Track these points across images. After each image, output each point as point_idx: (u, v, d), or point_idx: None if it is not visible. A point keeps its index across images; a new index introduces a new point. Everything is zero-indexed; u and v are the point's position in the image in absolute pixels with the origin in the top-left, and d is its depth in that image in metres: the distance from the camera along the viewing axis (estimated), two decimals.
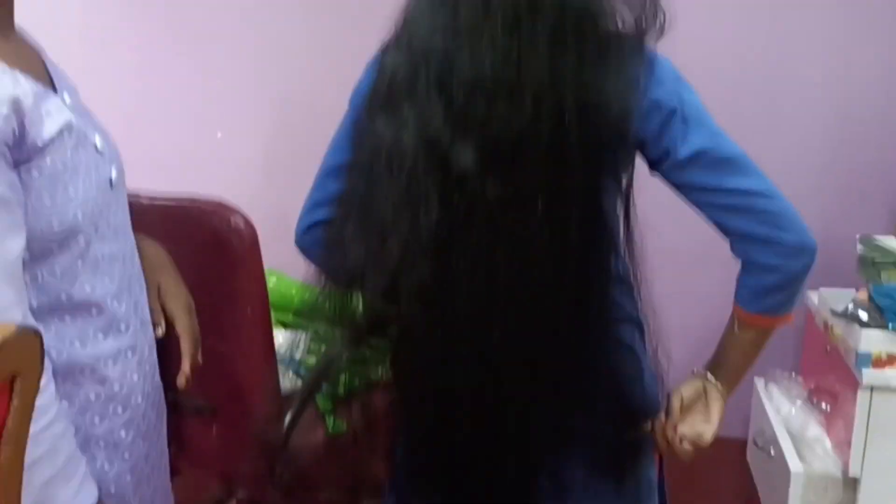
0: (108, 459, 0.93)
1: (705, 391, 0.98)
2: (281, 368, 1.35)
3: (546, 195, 0.84)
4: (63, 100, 0.90)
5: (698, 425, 0.94)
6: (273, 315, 1.53)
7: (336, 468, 1.34)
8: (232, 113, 1.94)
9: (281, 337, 1.53)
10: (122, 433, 0.94)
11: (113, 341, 0.92)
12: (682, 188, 0.91)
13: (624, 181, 0.92)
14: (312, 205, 1.10)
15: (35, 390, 0.56)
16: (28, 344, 0.55)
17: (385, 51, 0.97)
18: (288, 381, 1.43)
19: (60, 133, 0.85)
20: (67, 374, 0.88)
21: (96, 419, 0.91)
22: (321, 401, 1.44)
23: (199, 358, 1.10)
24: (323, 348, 1.54)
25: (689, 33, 1.62)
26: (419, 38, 0.91)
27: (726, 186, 0.88)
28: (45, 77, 0.92)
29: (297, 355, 1.53)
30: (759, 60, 1.79)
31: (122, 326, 0.94)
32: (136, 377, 0.95)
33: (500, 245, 0.84)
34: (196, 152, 1.97)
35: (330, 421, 1.39)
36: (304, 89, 1.89)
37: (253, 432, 1.28)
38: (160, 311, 1.04)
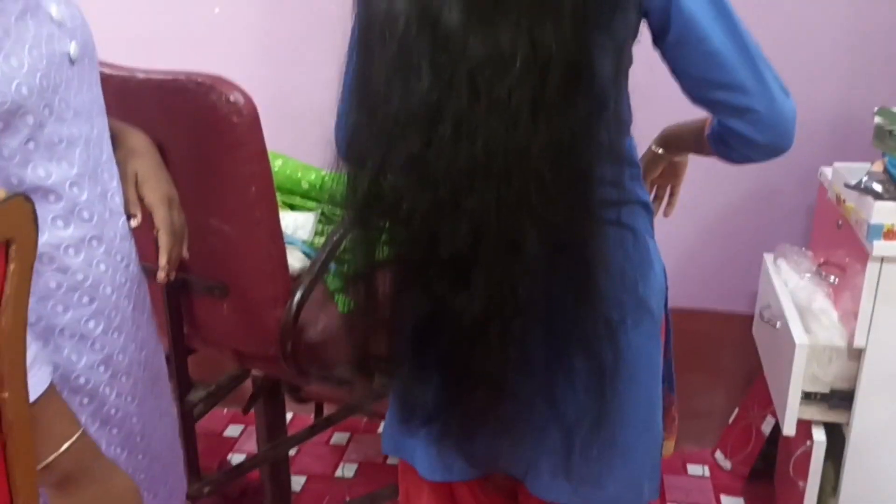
0: (75, 350, 0.90)
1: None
2: (289, 248, 1.35)
3: (525, 49, 0.79)
4: None
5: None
6: (279, 197, 1.52)
7: (347, 345, 1.37)
8: None
9: (288, 218, 1.53)
10: (91, 324, 0.91)
11: (75, 230, 0.88)
12: (676, 73, 0.90)
13: (623, 49, 0.88)
14: (346, 98, 1.01)
15: (32, 254, 0.56)
16: (19, 208, 0.54)
17: None
18: (296, 261, 1.44)
19: None
20: None
21: (59, 308, 0.88)
22: (330, 280, 1.46)
23: (185, 251, 1.07)
24: (329, 229, 1.55)
25: None
26: None
27: (721, 98, 0.89)
28: None
29: (305, 236, 1.54)
30: None
31: (86, 214, 0.90)
32: (102, 267, 0.92)
33: (479, 106, 0.80)
34: (193, 28, 1.91)
35: (340, 299, 1.41)
36: None
37: (264, 310, 1.30)
38: (136, 200, 1.00)
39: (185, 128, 1.20)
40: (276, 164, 1.63)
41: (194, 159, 1.22)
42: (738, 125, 0.90)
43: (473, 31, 0.81)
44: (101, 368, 0.93)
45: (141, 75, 1.21)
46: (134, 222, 0.98)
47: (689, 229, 1.90)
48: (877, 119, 1.47)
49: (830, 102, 1.77)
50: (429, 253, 0.85)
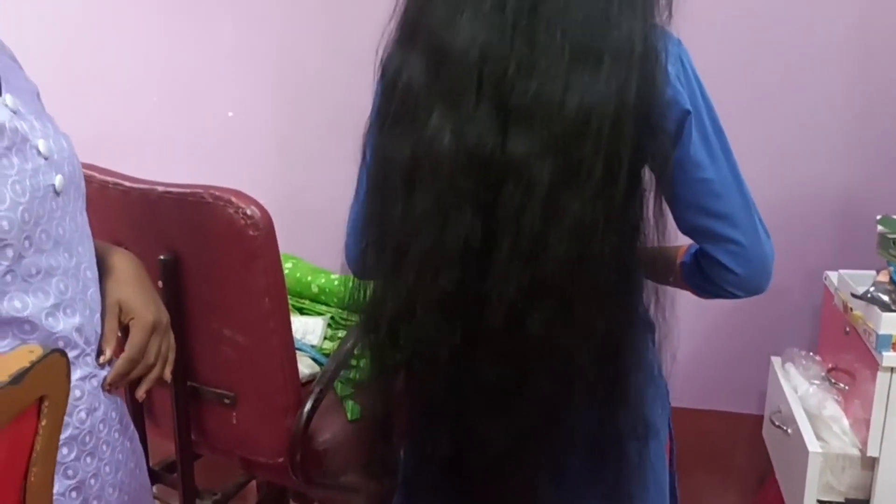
0: None
1: None
2: (298, 354, 1.35)
3: (601, 172, 0.82)
4: (4, 101, 0.86)
5: None
6: (289, 301, 1.53)
7: (355, 453, 1.35)
8: (244, 92, 1.92)
9: (297, 322, 1.54)
10: (64, 451, 0.87)
11: None
12: (668, 195, 0.91)
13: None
14: (355, 230, 1.03)
15: (63, 409, 0.56)
16: (56, 365, 0.55)
17: (393, 49, 0.94)
18: (305, 367, 1.44)
19: None
20: None
21: None
22: (340, 387, 1.45)
23: (167, 374, 1.02)
24: (341, 335, 1.55)
25: None
26: (433, 31, 0.87)
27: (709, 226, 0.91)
28: None
29: (314, 341, 1.54)
30: (776, 15, 1.71)
31: (61, 343, 0.88)
32: (77, 393, 0.90)
33: (554, 228, 0.83)
34: (208, 132, 1.96)
35: (349, 406, 1.40)
36: (318, 69, 1.87)
37: (273, 420, 1.30)
38: (112, 335, 0.97)
39: (202, 240, 1.22)
40: (287, 267, 1.65)
41: (210, 271, 1.23)
42: (720, 254, 0.91)
43: (539, 156, 0.83)
44: (74, 494, 0.90)
45: (160, 188, 1.23)
46: (102, 359, 0.95)
47: (696, 328, 1.91)
48: (879, 227, 1.49)
49: (834, 205, 1.80)
50: (458, 385, 0.86)
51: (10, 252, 0.83)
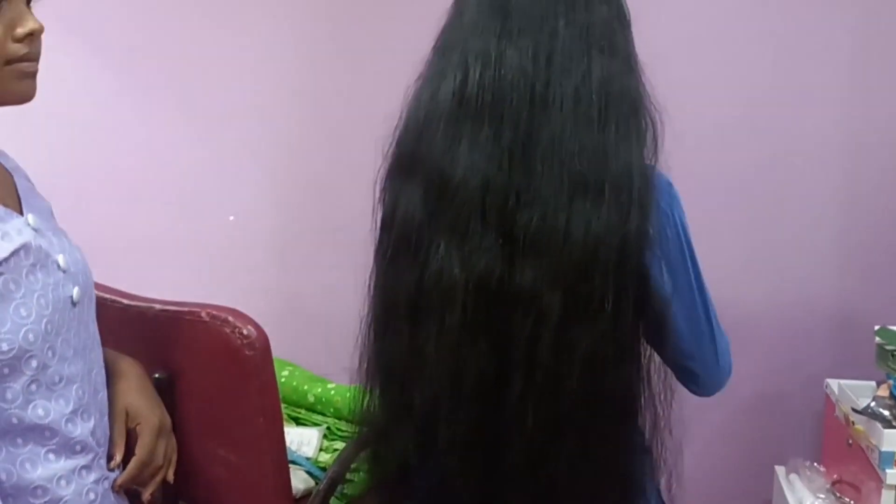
0: None
1: None
2: (292, 468, 1.33)
3: (612, 305, 0.84)
4: (27, 221, 0.92)
5: None
6: (284, 410, 1.52)
7: None
8: (246, 196, 1.95)
9: (293, 433, 1.52)
10: None
11: (66, 461, 0.92)
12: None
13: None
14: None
15: None
16: None
17: (390, 179, 0.96)
18: (300, 481, 1.41)
19: (15, 253, 0.86)
20: (18, 495, 0.89)
21: None
22: (335, 502, 1.43)
23: (170, 475, 1.07)
24: (337, 446, 1.53)
25: (688, 87, 1.63)
26: (431, 161, 0.89)
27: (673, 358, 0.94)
28: (13, 198, 0.95)
29: (310, 453, 1.52)
30: (766, 122, 1.73)
31: (78, 447, 0.93)
32: (92, 496, 0.94)
33: (566, 362, 0.84)
34: (209, 235, 1.98)
35: None
36: (317, 173, 1.90)
37: None
38: (122, 436, 1.02)
39: (198, 358, 1.22)
40: (283, 375, 1.65)
41: (205, 389, 1.23)
42: (679, 375, 0.96)
43: (549, 286, 0.84)
44: None
45: (158, 306, 1.24)
46: (112, 463, 0.99)
47: (697, 434, 1.88)
48: (878, 339, 1.49)
49: (831, 312, 1.80)
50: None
51: (34, 362, 0.87)
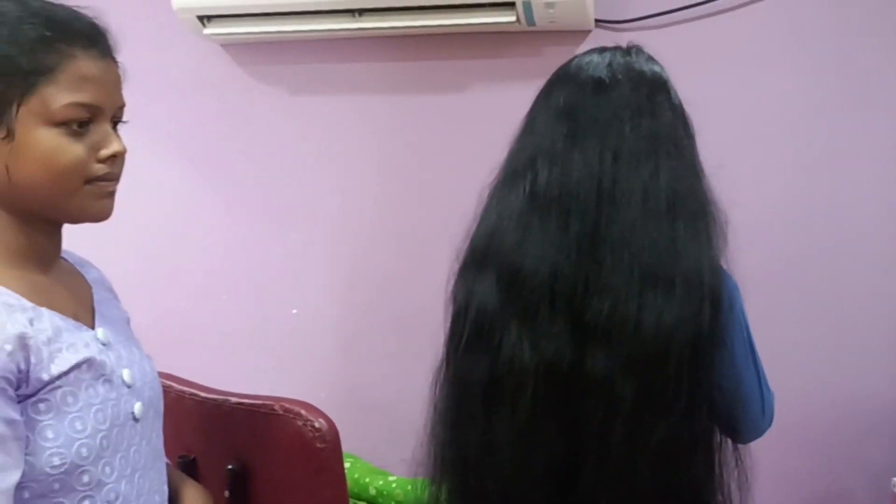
0: None
1: None
2: None
3: (686, 396, 0.86)
4: (96, 335, 0.93)
5: None
6: None
7: None
8: (310, 290, 2.02)
9: None
10: None
11: None
12: None
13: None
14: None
15: None
16: None
17: (463, 273, 1.01)
18: None
19: (77, 367, 0.86)
20: None
21: None
22: None
23: None
24: None
25: (744, 184, 1.66)
26: (503, 254, 0.94)
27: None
28: (88, 311, 0.97)
29: None
30: (821, 216, 1.74)
31: None
32: None
33: (640, 450, 0.86)
34: (273, 327, 2.05)
35: None
36: (385, 269, 1.96)
37: None
38: None
39: (270, 450, 1.27)
40: (345, 467, 1.67)
41: (277, 481, 1.27)
42: (723, 431, 0.97)
43: (620, 374, 0.87)
44: None
45: (234, 399, 1.29)
46: None
47: None
48: None
49: (894, 408, 1.78)
50: None
51: (86, 478, 0.86)
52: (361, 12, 1.71)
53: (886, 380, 1.77)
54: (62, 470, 0.84)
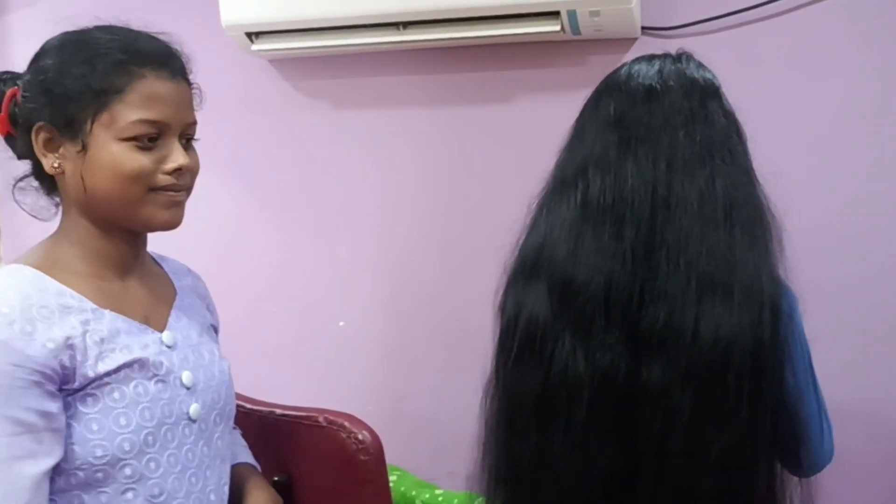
0: None
1: None
2: None
3: (747, 407, 0.84)
4: (160, 338, 1.00)
5: None
6: None
7: None
8: (356, 304, 2.02)
9: None
10: None
11: None
12: None
13: None
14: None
15: None
16: None
17: (513, 284, 1.00)
18: None
19: (127, 366, 0.93)
20: None
21: None
22: None
23: None
24: None
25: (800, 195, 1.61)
26: (554, 263, 0.92)
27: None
28: (163, 315, 1.03)
29: None
30: (876, 226, 1.67)
31: None
32: None
33: (700, 461, 0.84)
34: (321, 339, 2.06)
35: None
36: (429, 283, 1.95)
37: None
38: None
39: (315, 462, 1.27)
40: (392, 479, 1.66)
41: (322, 493, 1.27)
42: (784, 463, 0.94)
43: (678, 385, 0.85)
44: None
45: (279, 411, 1.30)
46: None
47: None
48: None
49: None
50: None
51: (128, 471, 0.92)
52: (406, 25, 1.72)
53: None
54: (104, 461, 0.90)
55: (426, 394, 1.95)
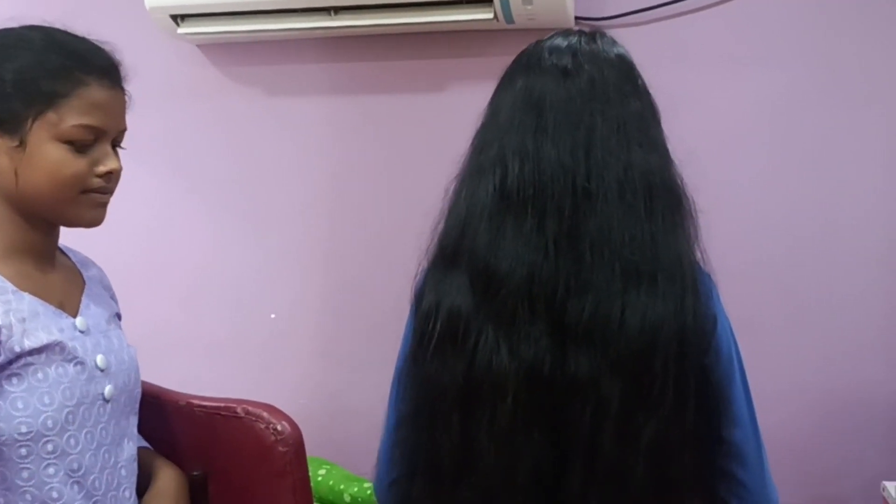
0: None
1: None
2: None
3: (673, 393, 0.83)
4: (74, 323, 1.04)
5: None
6: None
7: None
8: (288, 296, 1.99)
9: None
10: None
11: None
12: None
13: None
14: (387, 461, 1.03)
15: None
16: None
17: (432, 272, 0.97)
18: None
19: (48, 348, 0.98)
20: None
21: None
22: None
23: None
24: None
25: (724, 182, 1.63)
26: (476, 255, 0.90)
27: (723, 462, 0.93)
28: (74, 302, 1.08)
29: None
30: (810, 217, 1.70)
31: None
32: None
33: (631, 451, 0.83)
34: (252, 332, 2.01)
35: None
36: (356, 272, 1.93)
37: None
38: None
39: (233, 455, 1.23)
40: (320, 473, 1.63)
41: (240, 486, 1.23)
42: (727, 497, 0.93)
43: (607, 375, 0.84)
44: None
45: (195, 402, 1.26)
46: None
47: None
48: None
49: (884, 412, 1.73)
50: None
51: (50, 447, 0.97)
52: (337, 10, 1.69)
53: (876, 381, 1.73)
54: (28, 437, 0.95)
55: (361, 388, 1.92)
